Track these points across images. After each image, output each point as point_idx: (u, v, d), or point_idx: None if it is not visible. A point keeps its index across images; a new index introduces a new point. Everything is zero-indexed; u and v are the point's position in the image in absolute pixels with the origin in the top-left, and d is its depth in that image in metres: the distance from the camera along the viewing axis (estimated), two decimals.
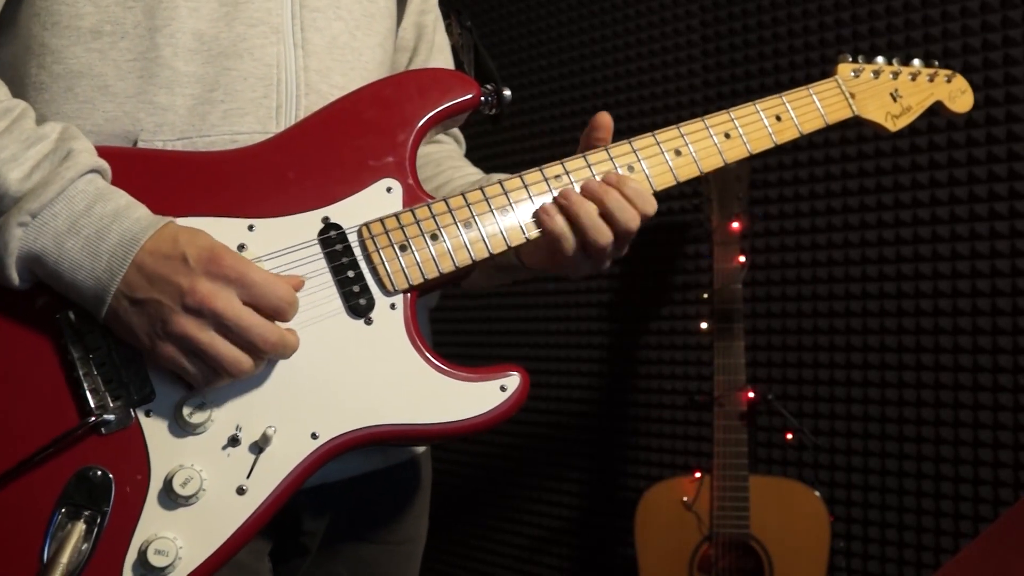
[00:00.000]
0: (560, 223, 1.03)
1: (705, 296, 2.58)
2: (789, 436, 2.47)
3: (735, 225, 2.36)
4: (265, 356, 0.90)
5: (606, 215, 1.04)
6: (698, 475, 2.33)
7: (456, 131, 1.37)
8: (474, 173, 1.25)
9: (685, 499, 2.33)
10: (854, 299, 2.40)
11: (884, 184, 2.35)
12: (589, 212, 1.03)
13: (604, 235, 1.04)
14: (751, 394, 2.31)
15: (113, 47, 0.98)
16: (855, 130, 2.39)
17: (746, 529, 2.23)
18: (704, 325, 2.56)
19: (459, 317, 3.34)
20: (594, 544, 2.93)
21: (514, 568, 3.15)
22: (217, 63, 1.01)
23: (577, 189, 1.06)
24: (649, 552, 2.38)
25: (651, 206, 1.06)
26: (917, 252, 2.29)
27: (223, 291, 0.87)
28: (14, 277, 0.87)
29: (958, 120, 1.33)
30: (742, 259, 2.35)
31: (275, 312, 0.89)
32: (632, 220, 1.04)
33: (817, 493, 2.23)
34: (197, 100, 1.00)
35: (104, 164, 0.92)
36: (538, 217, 1.04)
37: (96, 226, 0.87)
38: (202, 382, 0.89)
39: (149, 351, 0.89)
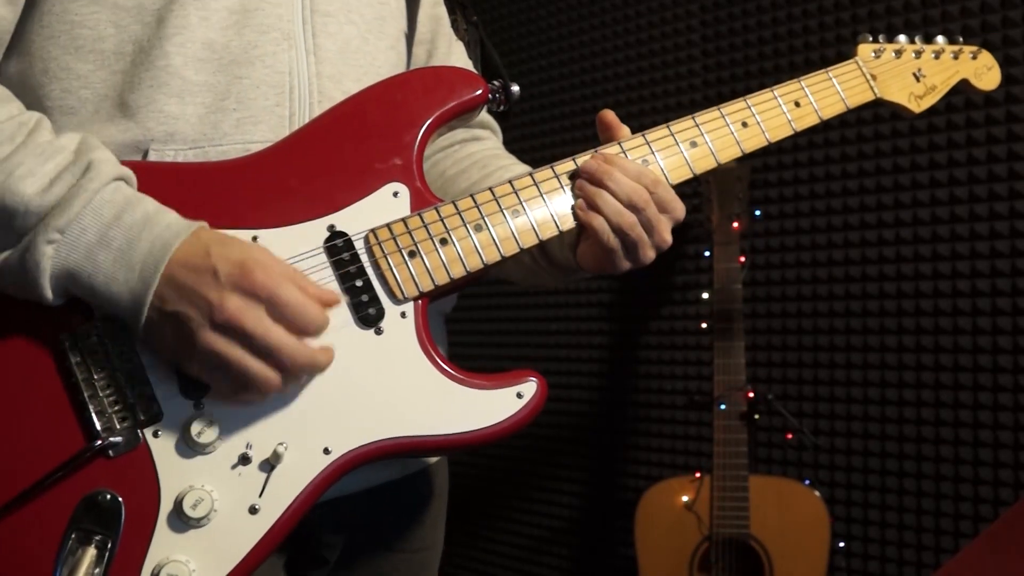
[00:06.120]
0: (599, 220, 1.00)
1: (705, 296, 2.58)
2: (789, 436, 2.48)
3: (735, 225, 2.35)
4: (294, 375, 0.89)
5: (613, 194, 1.01)
6: (698, 475, 2.33)
7: (491, 120, 1.32)
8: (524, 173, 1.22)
9: (685, 499, 2.33)
10: (854, 299, 2.40)
11: (884, 184, 2.35)
12: (606, 199, 1.01)
13: (627, 217, 1.00)
14: (751, 394, 2.31)
15: (132, 63, 0.97)
16: (855, 129, 2.39)
17: (746, 529, 2.23)
18: (704, 325, 2.56)
19: (458, 317, 3.33)
20: (594, 544, 2.93)
21: (514, 568, 3.15)
22: (228, 72, 0.99)
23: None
24: (649, 552, 2.38)
25: (647, 177, 1.02)
26: (917, 252, 2.29)
27: (252, 309, 0.85)
28: (48, 295, 0.86)
29: (978, 97, 1.31)
30: (742, 259, 2.35)
31: (303, 333, 0.88)
32: (635, 192, 1.00)
33: (817, 493, 2.24)
34: (208, 109, 0.98)
35: (128, 172, 0.90)
36: (575, 214, 1.02)
37: (126, 236, 0.86)
38: (231, 396, 0.88)
39: (179, 363, 0.88)
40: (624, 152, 1.06)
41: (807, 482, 2.36)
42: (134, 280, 0.85)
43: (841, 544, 2.38)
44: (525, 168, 1.21)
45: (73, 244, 0.85)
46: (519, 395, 0.97)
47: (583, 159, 1.05)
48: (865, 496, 2.37)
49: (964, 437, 2.22)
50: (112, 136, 0.96)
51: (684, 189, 1.06)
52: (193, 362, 0.87)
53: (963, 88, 1.31)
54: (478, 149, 1.26)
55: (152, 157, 0.96)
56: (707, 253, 2.54)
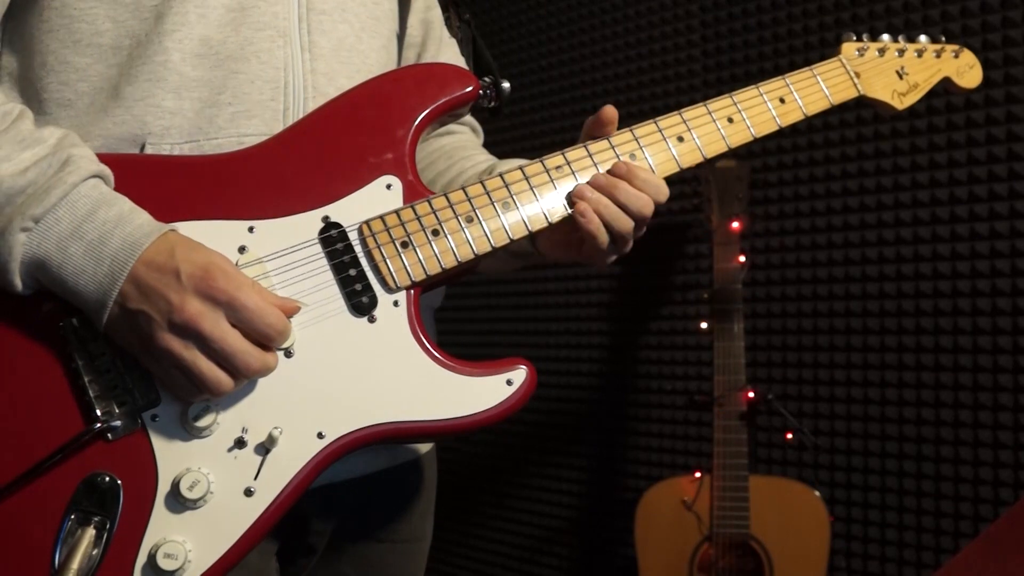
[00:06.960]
0: (597, 222, 1.05)
1: (706, 296, 2.58)
2: (789, 436, 2.48)
3: (735, 225, 2.36)
4: (246, 379, 0.90)
5: (621, 206, 1.06)
6: (698, 475, 2.33)
7: (472, 120, 1.35)
8: (484, 161, 1.24)
9: (685, 499, 2.32)
10: (854, 299, 2.40)
11: (884, 184, 2.35)
12: (608, 204, 1.05)
13: (625, 223, 1.06)
14: (751, 394, 2.31)
15: (129, 57, 0.99)
16: (855, 129, 2.39)
17: (746, 529, 2.23)
18: (704, 325, 2.56)
19: (458, 317, 3.34)
20: (594, 544, 2.93)
21: (514, 568, 3.15)
22: (224, 67, 1.01)
23: (580, 180, 1.07)
24: (649, 552, 2.38)
25: (663, 193, 1.08)
26: (917, 252, 2.30)
27: (211, 312, 0.86)
28: (17, 283, 0.88)
29: (963, 95, 1.32)
30: (742, 259, 2.36)
31: (263, 339, 0.89)
32: (646, 207, 1.06)
33: (817, 493, 2.24)
34: (204, 103, 1.00)
35: (106, 170, 0.92)
36: (575, 220, 1.05)
37: (99, 231, 0.88)
38: (182, 395, 0.89)
39: (138, 359, 0.90)
40: (613, 147, 1.09)
41: (807, 482, 2.36)
42: (102, 274, 0.87)
43: (841, 544, 2.38)
44: (488, 156, 1.26)
45: (45, 234, 0.87)
46: (509, 382, 0.99)
47: (572, 153, 1.08)
48: (865, 496, 2.37)
49: (964, 437, 2.22)
50: (108, 129, 0.98)
51: (685, 188, 1.09)
52: (150, 360, 0.89)
53: (946, 86, 1.33)
54: (447, 142, 1.30)
55: (148, 151, 0.98)
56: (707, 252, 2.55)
